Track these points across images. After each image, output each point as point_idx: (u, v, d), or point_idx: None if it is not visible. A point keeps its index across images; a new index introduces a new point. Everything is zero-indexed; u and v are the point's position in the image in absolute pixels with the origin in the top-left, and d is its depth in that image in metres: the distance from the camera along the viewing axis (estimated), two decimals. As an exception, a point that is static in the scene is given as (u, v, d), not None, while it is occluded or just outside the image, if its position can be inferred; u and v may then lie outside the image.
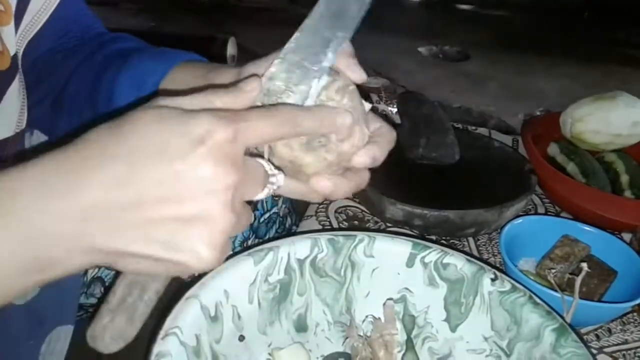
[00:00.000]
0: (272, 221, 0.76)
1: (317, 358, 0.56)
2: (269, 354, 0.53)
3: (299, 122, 0.37)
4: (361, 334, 0.55)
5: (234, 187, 0.33)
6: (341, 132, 0.39)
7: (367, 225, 0.79)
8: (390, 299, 0.57)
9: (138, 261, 0.33)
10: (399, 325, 0.56)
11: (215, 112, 0.34)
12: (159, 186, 0.32)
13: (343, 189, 0.43)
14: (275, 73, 0.41)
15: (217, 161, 0.32)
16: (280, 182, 0.39)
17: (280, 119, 0.36)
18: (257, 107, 0.38)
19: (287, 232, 0.80)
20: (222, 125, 0.33)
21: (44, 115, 0.60)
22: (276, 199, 0.76)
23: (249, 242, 0.74)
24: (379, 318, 0.56)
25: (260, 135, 0.35)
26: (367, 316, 0.56)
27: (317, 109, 0.39)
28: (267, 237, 0.76)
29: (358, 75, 0.43)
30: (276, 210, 0.76)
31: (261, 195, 0.38)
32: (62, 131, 0.60)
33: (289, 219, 0.79)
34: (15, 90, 0.52)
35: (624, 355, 0.62)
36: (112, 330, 0.36)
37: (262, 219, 0.74)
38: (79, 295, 0.64)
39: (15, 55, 0.52)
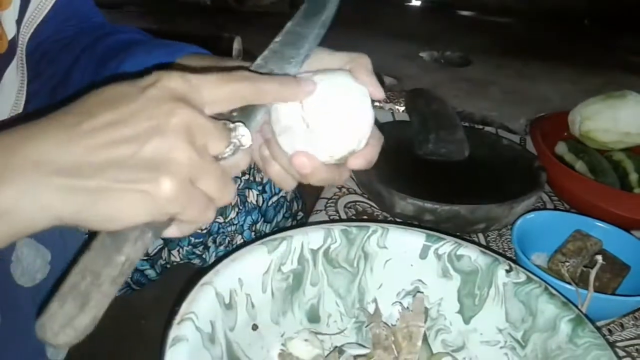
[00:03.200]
0: (280, 205, 0.76)
1: (329, 348, 0.55)
2: (282, 343, 0.53)
3: (259, 85, 0.38)
4: (385, 322, 0.55)
5: (187, 120, 0.33)
6: (304, 97, 0.40)
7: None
8: (403, 290, 0.57)
9: (103, 200, 0.32)
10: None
11: (175, 70, 0.35)
12: (112, 125, 0.32)
13: (320, 176, 0.43)
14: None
15: (165, 98, 0.33)
16: (246, 139, 0.38)
17: (238, 77, 0.37)
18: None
19: (293, 217, 0.80)
20: (174, 76, 0.34)
21: (42, 105, 0.60)
22: None
23: (258, 226, 0.74)
24: (408, 308, 0.55)
25: (217, 91, 0.36)
26: (394, 303, 0.56)
27: (278, 76, 0.40)
28: (275, 221, 0.76)
29: (378, 93, 0.44)
30: (284, 194, 0.76)
31: (228, 152, 0.37)
32: None
33: (295, 204, 0.79)
34: (13, 73, 0.52)
35: (637, 349, 0.61)
36: (61, 318, 0.32)
37: (270, 202, 0.74)
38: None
39: (14, 39, 0.52)
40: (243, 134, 0.38)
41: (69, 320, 0.32)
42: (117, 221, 0.33)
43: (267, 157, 0.44)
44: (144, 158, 0.32)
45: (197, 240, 0.72)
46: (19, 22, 0.52)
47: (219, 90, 0.36)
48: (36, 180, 0.31)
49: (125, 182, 0.32)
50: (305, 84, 0.40)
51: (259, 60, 0.43)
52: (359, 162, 0.43)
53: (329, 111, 0.41)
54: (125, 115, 0.33)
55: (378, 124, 0.45)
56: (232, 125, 0.37)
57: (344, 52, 0.45)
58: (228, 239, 0.73)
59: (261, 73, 0.41)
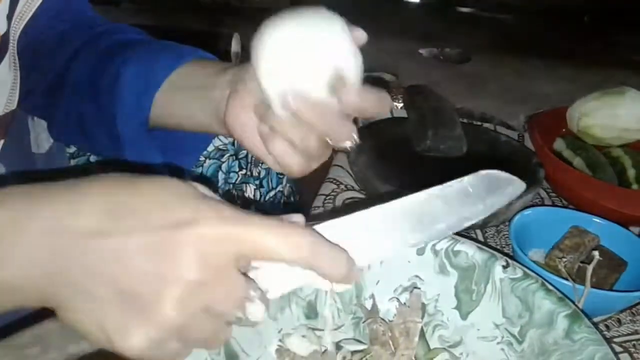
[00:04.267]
0: (278, 199, 0.76)
1: (327, 345, 0.55)
2: (280, 339, 0.53)
3: (309, 255, 0.33)
4: (382, 317, 0.55)
5: (191, 284, 0.30)
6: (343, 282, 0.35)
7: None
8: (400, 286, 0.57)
9: (73, 315, 0.32)
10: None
11: (219, 207, 0.32)
12: (121, 252, 0.30)
13: (320, 114, 0.40)
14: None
15: (187, 251, 0.30)
16: (254, 316, 0.34)
17: (290, 240, 0.32)
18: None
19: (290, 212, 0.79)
20: (213, 219, 0.31)
21: (39, 102, 0.59)
22: (280, 177, 0.76)
23: None
24: (405, 304, 0.55)
25: (257, 247, 0.32)
26: (391, 299, 0.56)
27: (335, 252, 0.34)
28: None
29: (360, 34, 0.41)
30: (281, 189, 0.76)
31: (232, 319, 0.34)
32: (59, 118, 0.59)
33: (292, 199, 0.79)
34: (5, 70, 0.52)
35: (634, 345, 0.62)
36: None
37: (267, 197, 0.74)
38: None
39: (6, 34, 0.52)
40: (258, 312, 0.34)
41: None
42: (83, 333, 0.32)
43: (267, 133, 0.42)
44: (129, 303, 0.30)
45: None
46: (9, 17, 0.52)
47: (265, 245, 0.32)
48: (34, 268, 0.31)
49: (99, 314, 0.31)
50: (355, 276, 0.35)
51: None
52: (351, 98, 0.40)
53: (300, 41, 0.39)
54: (139, 248, 0.30)
55: (377, 120, 0.44)
56: (254, 299, 0.34)
57: None
58: None
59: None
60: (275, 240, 0.32)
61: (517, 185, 0.42)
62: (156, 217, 0.31)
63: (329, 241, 0.35)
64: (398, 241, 0.38)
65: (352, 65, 0.41)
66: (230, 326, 0.35)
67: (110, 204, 0.31)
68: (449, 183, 0.40)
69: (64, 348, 0.34)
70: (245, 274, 0.34)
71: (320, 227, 0.36)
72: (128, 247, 0.30)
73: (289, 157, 0.42)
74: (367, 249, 0.37)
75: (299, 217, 0.36)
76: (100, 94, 0.55)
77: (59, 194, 0.32)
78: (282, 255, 0.32)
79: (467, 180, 0.40)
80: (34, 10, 0.55)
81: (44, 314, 0.33)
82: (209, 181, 0.56)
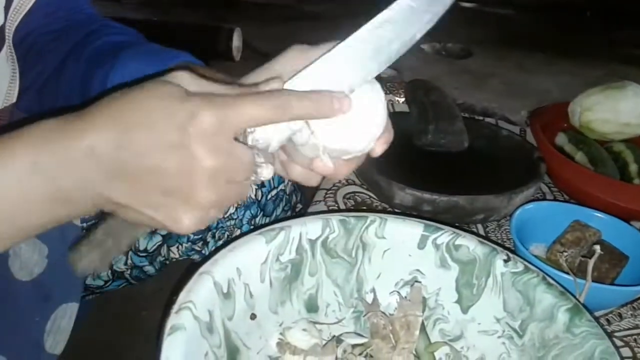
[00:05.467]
0: (280, 198, 0.76)
1: (327, 338, 0.55)
2: (280, 333, 0.53)
3: (292, 107, 0.38)
4: (383, 311, 0.55)
5: (213, 169, 0.36)
6: (339, 114, 0.40)
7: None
8: (402, 280, 0.57)
9: (134, 215, 0.38)
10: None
11: (206, 98, 0.37)
12: (150, 157, 0.36)
13: (343, 172, 0.45)
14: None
15: (198, 145, 0.36)
16: (266, 175, 0.40)
17: (272, 104, 0.38)
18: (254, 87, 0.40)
19: (292, 210, 0.79)
20: (207, 111, 0.36)
21: (33, 102, 0.59)
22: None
23: (257, 220, 0.74)
24: (406, 298, 0.55)
25: (249, 119, 0.37)
26: (392, 293, 0.56)
27: (312, 94, 0.39)
28: (274, 214, 0.76)
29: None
30: (283, 187, 0.76)
31: (247, 181, 0.40)
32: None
33: (294, 197, 0.79)
34: (3, 63, 0.52)
35: (635, 339, 0.61)
36: (86, 260, 0.43)
37: (269, 196, 0.74)
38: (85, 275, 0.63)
39: (3, 27, 0.52)
40: (266, 172, 0.40)
41: (91, 264, 0.43)
42: (141, 225, 0.41)
43: (286, 161, 0.46)
44: (171, 196, 0.37)
45: (196, 237, 0.72)
46: (6, 9, 0.52)
47: (254, 120, 0.38)
48: (89, 198, 0.37)
49: (152, 210, 0.38)
50: (341, 102, 0.40)
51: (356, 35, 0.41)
52: (382, 149, 0.46)
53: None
54: (161, 153, 0.36)
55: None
56: (259, 163, 0.40)
57: (319, 46, 0.44)
58: (227, 233, 0.73)
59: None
60: (262, 109, 0.37)
61: None
62: (163, 125, 0.36)
63: (306, 91, 0.40)
64: (362, 71, 0.42)
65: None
66: (249, 184, 0.41)
67: (120, 120, 0.36)
68: (392, 5, 0.42)
69: (130, 235, 0.43)
70: (246, 143, 0.39)
71: (294, 81, 0.41)
72: (152, 155, 0.36)
73: (307, 178, 0.46)
74: (338, 85, 0.41)
75: (276, 83, 0.40)
76: (90, 99, 0.55)
77: (75, 120, 0.37)
78: (271, 119, 0.38)
79: None
80: (30, 4, 0.55)
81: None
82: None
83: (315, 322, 0.55)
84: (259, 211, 0.74)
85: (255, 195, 0.73)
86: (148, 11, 3.12)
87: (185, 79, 0.39)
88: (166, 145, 0.36)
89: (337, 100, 0.40)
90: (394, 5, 0.42)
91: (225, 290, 0.48)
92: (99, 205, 0.38)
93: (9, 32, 0.53)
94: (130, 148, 0.36)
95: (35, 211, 0.37)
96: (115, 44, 0.57)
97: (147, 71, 0.52)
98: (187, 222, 0.38)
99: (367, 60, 0.42)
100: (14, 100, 0.54)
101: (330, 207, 0.77)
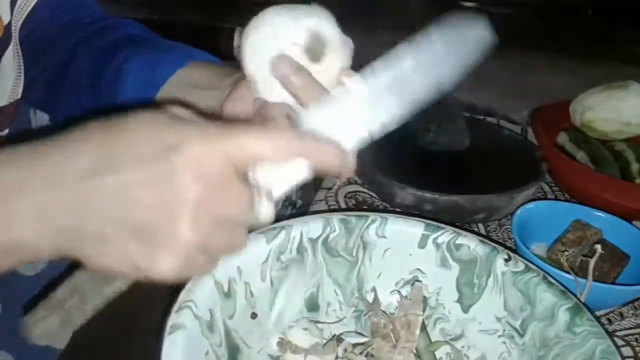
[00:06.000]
0: None
1: (328, 337, 0.55)
2: (281, 332, 0.53)
3: (296, 152, 0.35)
4: (384, 310, 0.55)
5: (197, 202, 0.31)
6: (338, 171, 0.37)
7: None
8: (402, 280, 0.57)
9: (100, 255, 0.33)
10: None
11: (201, 124, 0.33)
12: (122, 186, 0.31)
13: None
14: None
15: (184, 172, 0.31)
16: (264, 215, 0.36)
17: (278, 145, 0.34)
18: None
19: (293, 205, 0.79)
20: (199, 137, 0.32)
21: (40, 95, 0.59)
22: None
23: None
24: (406, 297, 0.55)
25: (249, 157, 0.33)
26: (392, 292, 0.56)
27: (322, 145, 0.36)
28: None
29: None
30: None
31: (241, 221, 0.35)
32: (60, 111, 0.59)
33: (294, 192, 0.79)
34: (10, 59, 0.52)
35: (636, 339, 0.61)
36: (43, 326, 0.37)
37: None
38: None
39: (9, 24, 0.52)
40: (264, 217, 0.36)
41: (50, 331, 0.36)
42: (110, 274, 0.35)
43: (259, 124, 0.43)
44: (147, 232, 0.32)
45: None
46: (12, 6, 0.52)
47: (253, 159, 0.34)
48: (49, 242, 0.32)
49: (122, 250, 0.32)
50: (348, 162, 0.37)
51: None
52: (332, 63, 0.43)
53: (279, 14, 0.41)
54: (138, 182, 0.31)
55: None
56: (258, 201, 0.36)
57: None
58: None
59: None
60: (263, 145, 0.33)
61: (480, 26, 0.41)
62: (145, 149, 0.31)
63: (315, 135, 0.36)
64: (384, 117, 0.40)
65: (332, 33, 0.42)
66: (246, 230, 0.36)
67: (99, 146, 0.32)
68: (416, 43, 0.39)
69: (100, 292, 0.36)
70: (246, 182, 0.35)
71: (308, 115, 0.38)
72: (127, 184, 0.31)
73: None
74: (356, 129, 0.39)
75: (282, 121, 0.38)
76: (102, 89, 0.55)
77: (52, 148, 0.33)
78: (271, 158, 0.34)
79: (433, 35, 0.40)
80: (35, 0, 0.55)
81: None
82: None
83: (316, 321, 0.55)
84: None
85: None
86: (148, 10, 3.12)
87: (181, 111, 0.35)
88: (146, 172, 0.31)
89: (346, 159, 0.37)
90: (418, 42, 0.39)
91: (225, 290, 0.48)
92: (61, 247, 0.33)
93: (15, 30, 0.54)
94: (100, 174, 0.31)
95: None
96: (130, 37, 0.57)
97: (165, 62, 0.53)
98: (164, 265, 0.32)
99: (390, 107, 0.39)
100: (19, 96, 0.55)
101: (331, 207, 0.77)
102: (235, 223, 0.34)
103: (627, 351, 0.60)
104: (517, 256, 0.54)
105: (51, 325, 0.36)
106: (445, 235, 0.56)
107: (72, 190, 0.31)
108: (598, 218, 0.70)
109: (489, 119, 1.04)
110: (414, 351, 0.51)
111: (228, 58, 0.55)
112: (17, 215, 0.31)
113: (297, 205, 0.81)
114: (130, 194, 0.31)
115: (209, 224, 0.32)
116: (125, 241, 0.32)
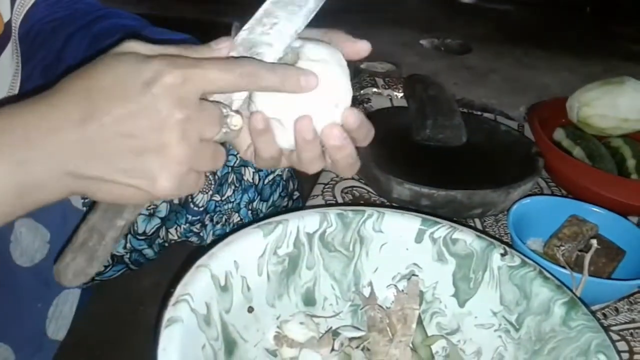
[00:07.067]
0: (276, 183, 0.77)
1: (325, 331, 0.55)
2: (278, 326, 0.53)
3: (259, 78, 0.38)
4: (380, 304, 0.55)
5: (183, 122, 0.36)
6: (305, 91, 0.40)
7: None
8: (399, 274, 0.57)
9: (107, 187, 0.37)
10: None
11: (169, 58, 0.37)
12: (117, 122, 0.35)
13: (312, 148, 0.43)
14: (252, 26, 0.41)
15: (165, 100, 0.35)
16: (237, 123, 0.40)
17: (240, 72, 0.37)
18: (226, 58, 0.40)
19: (289, 196, 0.80)
20: (171, 69, 0.35)
21: (37, 82, 0.59)
22: None
23: (254, 204, 0.74)
24: (403, 291, 0.55)
25: (214, 83, 0.37)
26: (389, 286, 0.56)
27: (281, 67, 0.40)
28: (271, 199, 0.77)
29: (361, 49, 0.43)
30: (279, 173, 0.77)
31: (220, 135, 0.39)
32: None
33: (291, 183, 0.80)
34: (8, 56, 0.52)
35: (631, 333, 0.62)
36: (73, 268, 0.41)
37: (266, 180, 0.75)
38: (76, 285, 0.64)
39: (9, 22, 0.52)
40: (236, 120, 0.40)
41: (80, 270, 0.41)
42: (118, 202, 0.39)
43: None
44: (145, 156, 0.36)
45: (194, 219, 0.72)
46: (12, 4, 0.52)
47: (219, 85, 0.37)
48: (60, 184, 0.37)
49: (126, 176, 0.36)
50: (308, 79, 0.40)
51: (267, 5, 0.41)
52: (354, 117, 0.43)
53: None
54: (128, 115, 0.35)
55: (377, 110, 0.44)
56: (228, 113, 0.40)
57: (316, 29, 0.44)
58: (225, 217, 0.73)
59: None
60: (229, 75, 0.37)
61: None
62: (126, 87, 0.35)
63: (274, 63, 0.40)
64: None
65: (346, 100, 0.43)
66: (223, 146, 0.41)
67: (87, 92, 0.36)
68: None
69: (113, 226, 0.41)
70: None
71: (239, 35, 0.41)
72: (120, 119, 0.35)
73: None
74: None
75: (226, 42, 0.40)
76: (56, 78, 0.56)
77: (38, 102, 0.37)
78: (237, 87, 0.38)
79: None
80: None
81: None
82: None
83: (312, 316, 0.55)
84: (256, 195, 0.74)
85: (253, 179, 0.74)
86: (146, 6, 3.11)
87: (138, 46, 0.38)
88: (133, 106, 0.35)
89: (304, 78, 0.40)
90: None
91: (222, 283, 0.48)
92: (70, 186, 0.37)
93: (15, 27, 0.54)
94: (96, 117, 0.35)
95: (2, 201, 0.36)
96: (122, 25, 0.58)
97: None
98: (164, 181, 0.37)
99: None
100: (16, 92, 0.55)
101: (328, 202, 0.77)
102: (214, 137, 0.39)
103: (622, 345, 0.60)
104: (513, 251, 0.54)
105: (80, 265, 0.41)
106: (442, 230, 0.56)
107: (76, 133, 0.35)
108: (594, 213, 0.70)
109: (486, 114, 1.04)
110: (410, 345, 0.51)
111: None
112: (29, 162, 0.35)
113: (293, 197, 0.81)
114: (125, 126, 0.35)
115: (195, 140, 0.37)
116: (127, 169, 0.36)
